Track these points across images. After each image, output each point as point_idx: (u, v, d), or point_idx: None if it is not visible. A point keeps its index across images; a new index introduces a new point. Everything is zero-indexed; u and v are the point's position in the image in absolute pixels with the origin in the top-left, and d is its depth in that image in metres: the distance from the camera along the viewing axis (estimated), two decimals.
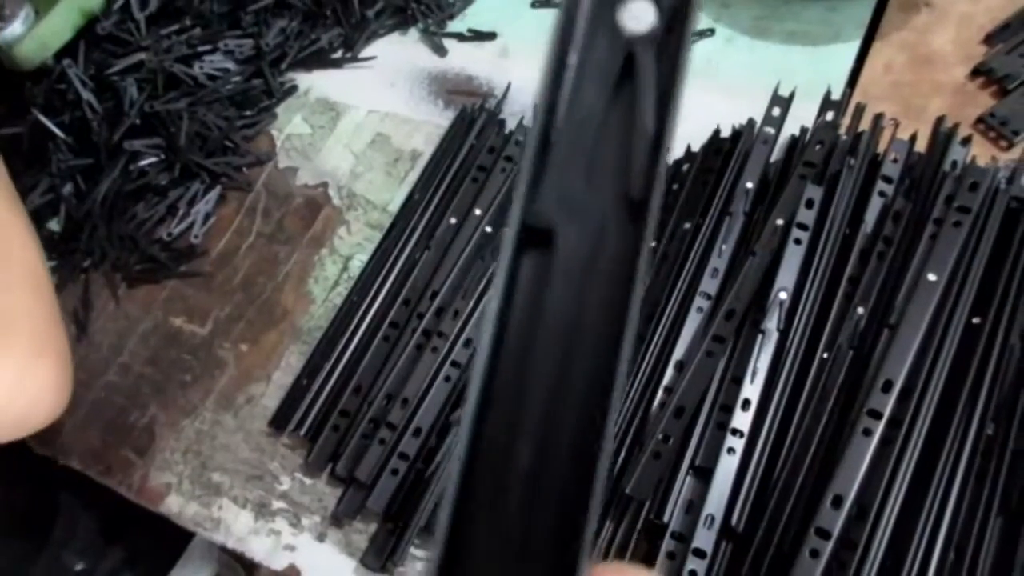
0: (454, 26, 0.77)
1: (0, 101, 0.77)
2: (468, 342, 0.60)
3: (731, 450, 0.51)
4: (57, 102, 0.75)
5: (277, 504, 0.58)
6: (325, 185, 0.71)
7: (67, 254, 0.71)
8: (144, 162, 0.72)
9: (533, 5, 0.78)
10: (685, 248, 0.59)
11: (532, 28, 0.76)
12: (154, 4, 0.77)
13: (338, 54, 0.77)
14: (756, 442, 0.50)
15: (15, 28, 0.73)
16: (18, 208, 0.57)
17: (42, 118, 0.74)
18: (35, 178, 0.73)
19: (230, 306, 0.67)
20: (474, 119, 0.71)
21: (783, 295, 0.55)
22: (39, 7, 0.75)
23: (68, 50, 0.75)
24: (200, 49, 0.75)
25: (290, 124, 0.75)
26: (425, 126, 0.72)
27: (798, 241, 0.57)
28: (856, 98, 0.63)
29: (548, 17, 0.77)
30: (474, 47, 0.76)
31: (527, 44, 0.76)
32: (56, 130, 0.74)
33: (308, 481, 0.59)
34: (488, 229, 0.65)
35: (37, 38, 0.75)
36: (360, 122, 0.74)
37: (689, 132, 0.63)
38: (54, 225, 0.74)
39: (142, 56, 0.75)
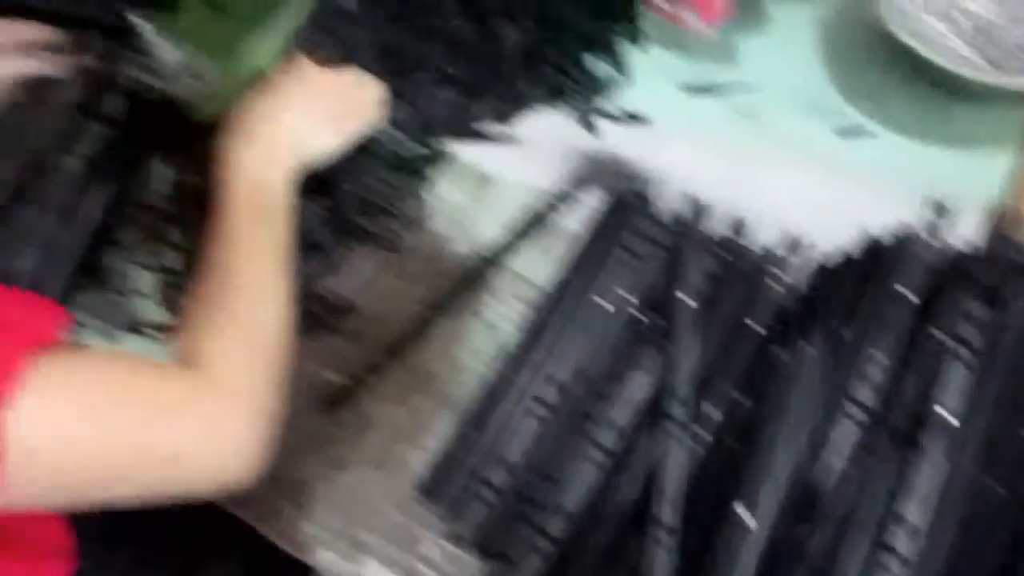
0: (606, 105, 0.80)
1: (185, 151, 0.82)
2: (617, 427, 0.61)
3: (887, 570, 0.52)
4: None
5: (424, 571, 0.61)
6: (476, 255, 0.74)
7: None
8: (309, 220, 0.76)
9: (687, 91, 0.80)
10: (836, 353, 0.60)
11: (685, 114, 0.78)
12: None
13: (492, 126, 0.80)
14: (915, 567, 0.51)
15: (203, 84, 0.78)
16: (277, 269, 0.57)
17: None
18: None
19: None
20: (626, 202, 0.73)
21: (943, 412, 0.56)
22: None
23: None
24: None
25: (445, 191, 0.78)
26: (576, 204, 0.75)
27: (958, 356, 0.57)
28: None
29: (701, 104, 0.79)
30: (626, 128, 0.78)
31: (680, 129, 0.77)
32: None
33: (455, 551, 0.61)
34: (639, 316, 0.67)
35: (218, 94, 0.80)
36: (511, 195, 0.77)
37: (837, 231, 0.65)
38: None
39: None
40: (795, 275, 0.68)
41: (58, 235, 0.83)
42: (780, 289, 0.67)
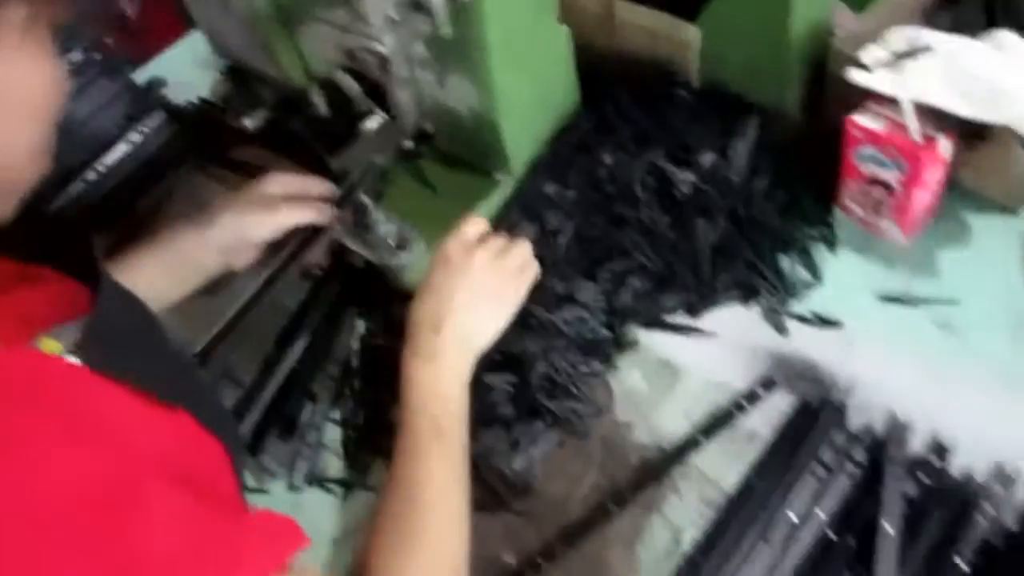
0: (798, 307, 0.80)
1: (379, 312, 0.88)
2: None
3: None
4: None
5: None
6: (660, 446, 0.74)
7: None
8: (495, 395, 0.79)
9: (882, 299, 0.79)
10: None
11: (880, 322, 0.77)
12: None
13: (682, 318, 0.82)
14: None
15: (408, 257, 0.84)
16: (462, 491, 0.61)
17: None
18: None
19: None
20: (816, 410, 0.72)
21: None
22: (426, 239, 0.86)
23: None
24: (561, 291, 0.82)
25: (630, 378, 0.80)
26: (764, 406, 0.74)
27: None
28: None
29: (897, 313, 0.78)
30: (817, 332, 0.78)
31: (874, 338, 0.76)
32: None
33: None
34: (829, 534, 0.64)
35: (423, 265, 0.86)
36: (697, 389, 0.77)
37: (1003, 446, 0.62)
38: None
39: None
40: (1003, 509, 0.64)
41: (259, 380, 0.90)
42: (987, 524, 0.63)
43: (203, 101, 1.17)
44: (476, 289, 0.67)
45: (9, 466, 0.37)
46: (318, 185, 0.81)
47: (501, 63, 0.78)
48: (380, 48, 0.56)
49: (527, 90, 0.84)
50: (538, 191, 0.88)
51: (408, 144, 0.79)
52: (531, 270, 0.71)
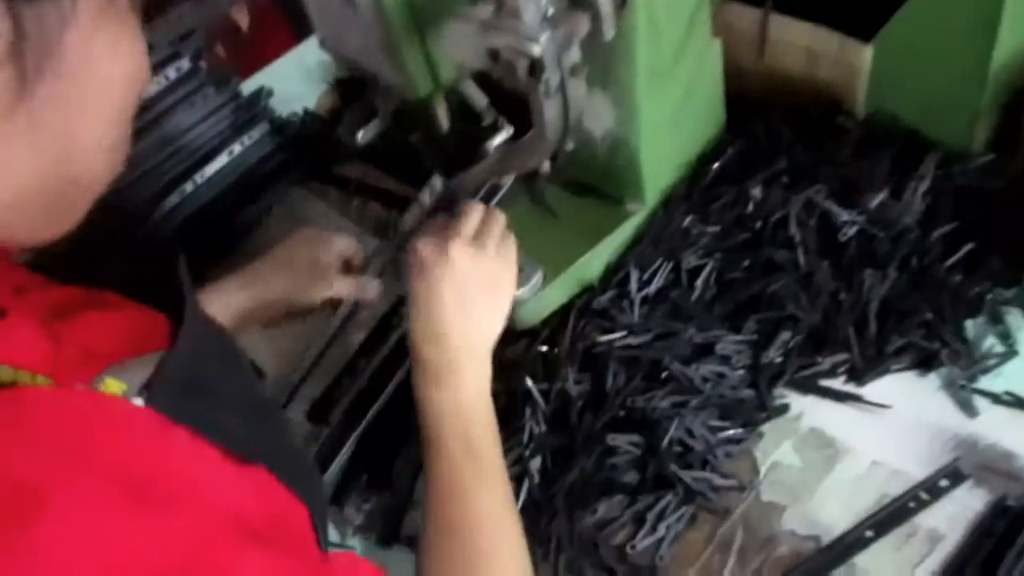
0: (988, 383, 0.67)
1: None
2: None
3: None
4: (540, 368, 0.75)
5: None
6: (817, 539, 0.62)
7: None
8: (618, 458, 0.68)
9: None
10: None
11: None
12: (655, 286, 0.76)
13: (842, 383, 0.70)
14: None
15: (523, 291, 0.75)
16: (512, 507, 0.58)
17: (528, 382, 0.73)
18: (505, 443, 0.72)
19: None
20: (1016, 514, 0.58)
21: None
22: (546, 272, 0.77)
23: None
24: (699, 341, 0.71)
25: (778, 450, 0.68)
26: (947, 502, 0.61)
27: None
28: None
29: None
30: (1014, 416, 0.65)
31: None
32: (539, 397, 0.72)
33: None
34: None
35: (539, 302, 0.77)
36: (862, 472, 0.65)
37: None
38: None
39: (630, 340, 0.73)
40: None
41: (345, 421, 0.81)
42: None
43: (307, 113, 1.11)
44: (464, 287, 0.61)
45: (58, 536, 0.30)
46: (348, 246, 0.76)
47: (648, 76, 0.69)
48: (532, 49, 0.47)
49: (671, 109, 0.74)
50: (675, 225, 0.78)
51: (545, 167, 0.69)
52: (511, 241, 0.66)
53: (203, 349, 0.40)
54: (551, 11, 0.47)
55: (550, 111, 0.53)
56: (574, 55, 0.49)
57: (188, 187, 0.96)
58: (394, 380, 0.77)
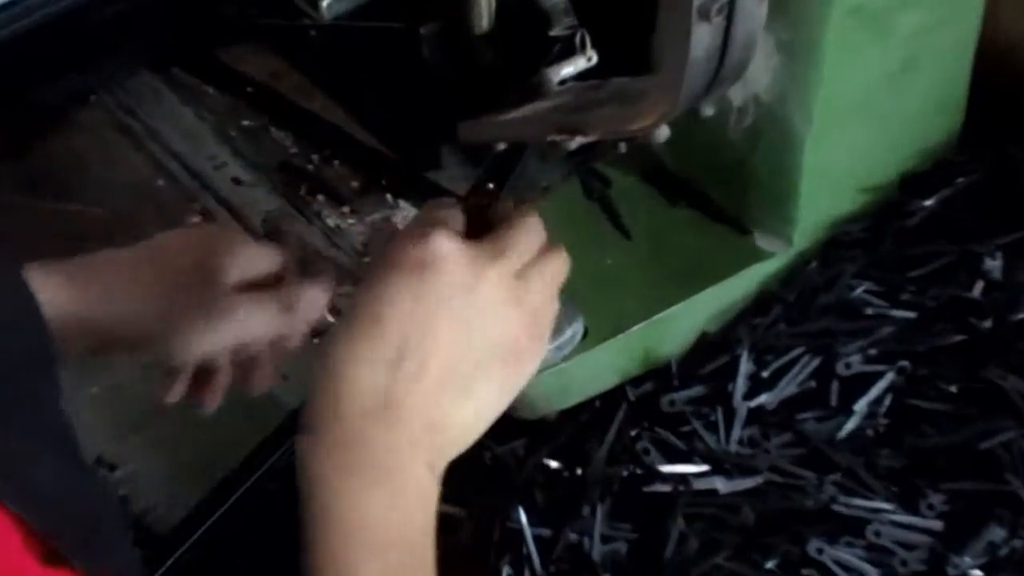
0: None
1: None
2: None
3: None
4: (543, 497, 0.54)
5: None
6: None
7: None
8: None
9: None
10: None
11: None
12: (779, 393, 0.55)
13: None
14: None
15: (560, 345, 0.52)
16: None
17: (522, 518, 0.52)
18: None
19: None
20: None
21: None
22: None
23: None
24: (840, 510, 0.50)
25: None
26: None
27: None
28: None
29: None
30: None
31: None
32: (534, 551, 0.50)
33: None
34: None
35: (565, 374, 0.55)
36: None
37: None
38: None
39: (717, 483, 0.53)
40: None
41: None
42: None
43: None
44: (481, 335, 0.42)
45: None
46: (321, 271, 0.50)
47: (847, 14, 0.46)
48: None
49: (874, 82, 0.51)
50: (837, 292, 0.55)
51: (662, 132, 0.44)
52: (554, 293, 0.45)
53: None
54: None
55: (701, 39, 0.34)
56: None
57: None
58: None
